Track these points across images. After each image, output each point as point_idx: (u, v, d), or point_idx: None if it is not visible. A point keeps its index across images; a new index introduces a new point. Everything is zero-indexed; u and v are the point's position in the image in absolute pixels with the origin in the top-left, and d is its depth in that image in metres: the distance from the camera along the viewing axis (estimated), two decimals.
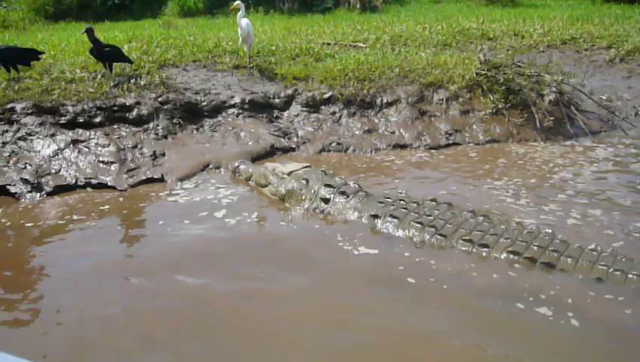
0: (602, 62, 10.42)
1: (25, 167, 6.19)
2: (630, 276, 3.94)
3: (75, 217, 5.45)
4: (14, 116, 6.74)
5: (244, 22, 8.30)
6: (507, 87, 8.21)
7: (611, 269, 4.02)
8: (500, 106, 8.05)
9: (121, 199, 5.91)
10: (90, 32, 7.43)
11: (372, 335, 3.56)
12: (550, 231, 4.57)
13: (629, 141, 7.78)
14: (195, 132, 7.32)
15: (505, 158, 7.10)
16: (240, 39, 8.61)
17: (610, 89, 9.46)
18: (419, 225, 4.70)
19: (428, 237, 4.61)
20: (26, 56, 7.37)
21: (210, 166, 6.67)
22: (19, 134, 6.57)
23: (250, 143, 7.20)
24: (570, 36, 11.55)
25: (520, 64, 8.57)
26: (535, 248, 4.28)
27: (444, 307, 3.83)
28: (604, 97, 9.09)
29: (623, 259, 4.10)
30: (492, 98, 8.15)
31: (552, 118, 7.94)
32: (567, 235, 4.59)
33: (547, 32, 11.85)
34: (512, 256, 4.29)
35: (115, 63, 7.78)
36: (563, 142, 7.75)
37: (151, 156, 6.67)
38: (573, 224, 5.04)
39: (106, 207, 5.71)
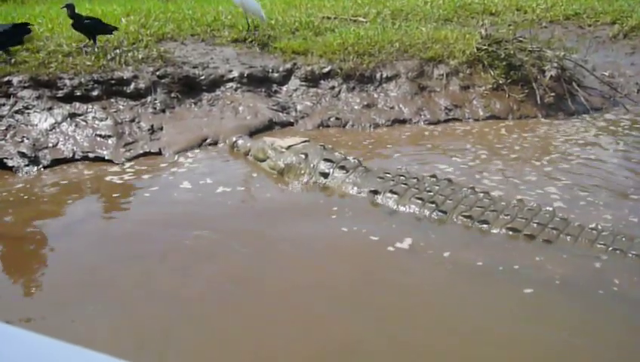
0: (605, 38, 10.31)
1: (22, 141, 6.15)
2: (630, 255, 3.93)
3: (72, 189, 5.44)
4: (11, 89, 6.67)
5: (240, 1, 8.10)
6: (508, 62, 8.13)
7: (611, 248, 4.01)
8: (500, 82, 7.98)
9: (118, 171, 5.88)
10: (70, 7, 7.32)
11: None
12: (550, 208, 4.55)
13: (630, 117, 7.73)
14: (193, 106, 7.27)
15: (505, 134, 7.07)
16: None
17: (612, 65, 9.37)
18: (419, 201, 4.68)
19: (428, 213, 4.59)
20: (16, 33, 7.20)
21: (208, 140, 6.64)
22: (16, 108, 6.52)
23: (248, 118, 7.16)
24: (574, 11, 11.40)
25: (522, 39, 8.47)
26: (535, 225, 4.26)
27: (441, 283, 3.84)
28: (606, 73, 9.01)
29: (623, 238, 4.08)
30: (493, 73, 8.07)
31: (553, 94, 7.88)
32: (567, 212, 4.58)
33: (550, 7, 11.70)
34: (511, 232, 4.28)
35: (100, 35, 7.69)
36: (564, 118, 7.71)
37: (148, 130, 6.63)
38: (572, 201, 5.01)
39: (104, 179, 5.69)
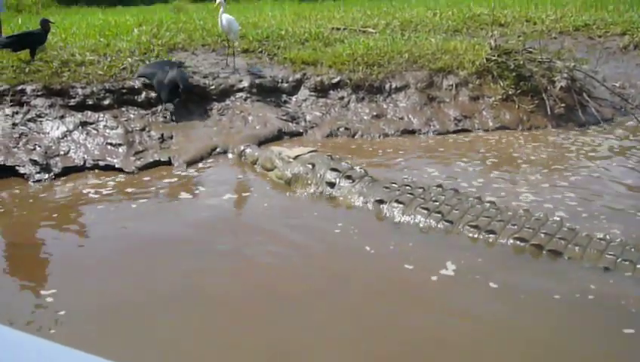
0: (616, 49, 10.26)
1: (34, 149, 6.23)
2: (639, 266, 3.89)
3: (83, 196, 5.51)
4: (24, 98, 6.78)
5: (225, 18, 7.94)
6: (518, 73, 8.14)
7: (620, 259, 3.97)
8: (510, 93, 7.98)
9: (128, 180, 5.94)
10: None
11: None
12: (558, 218, 4.52)
13: None
14: (203, 115, 7.33)
15: (514, 145, 7.06)
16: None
17: (623, 76, 9.34)
18: (425, 211, 4.67)
19: (434, 223, 4.58)
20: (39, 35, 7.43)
21: (218, 149, 6.68)
22: (29, 116, 6.61)
23: (257, 127, 7.21)
24: (584, 22, 11.37)
25: (531, 50, 8.48)
26: (542, 235, 4.22)
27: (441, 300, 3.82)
28: (617, 84, 8.97)
29: (632, 249, 4.04)
30: (502, 84, 8.08)
31: (563, 105, 7.86)
32: (575, 223, 4.55)
33: (560, 19, 11.69)
34: (518, 242, 4.25)
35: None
36: (574, 129, 7.68)
37: (159, 139, 6.69)
38: (580, 211, 4.99)
39: (114, 187, 5.75)
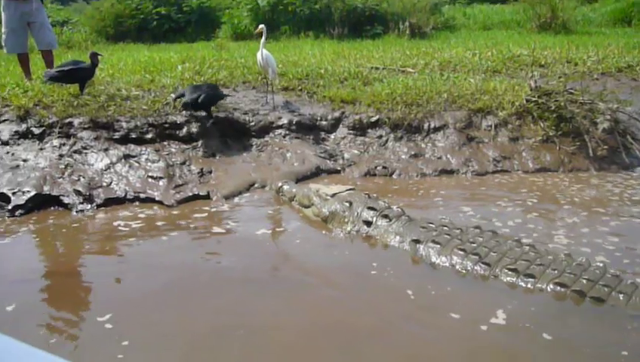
0: None
1: (78, 179, 6.40)
2: None
3: (125, 227, 5.62)
4: (72, 130, 7.02)
5: (263, 53, 8.17)
6: (558, 114, 8.03)
7: None
8: (550, 134, 7.88)
9: (168, 213, 6.04)
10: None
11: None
12: (601, 264, 4.38)
13: None
14: (242, 151, 7.45)
15: (555, 187, 6.93)
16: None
17: None
18: (462, 252, 4.60)
19: (471, 264, 4.50)
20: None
21: (256, 185, 6.75)
22: (75, 148, 6.83)
23: (295, 164, 7.27)
24: (627, 64, 11.21)
25: (572, 91, 8.37)
26: (584, 281, 4.09)
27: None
28: None
29: None
30: (542, 125, 7.99)
31: (606, 147, 7.70)
32: (618, 269, 4.41)
33: (602, 60, 11.56)
34: (559, 288, 4.13)
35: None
36: (617, 172, 7.50)
37: (198, 173, 6.81)
38: (621, 257, 4.83)
39: (154, 219, 5.85)
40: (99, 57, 7.86)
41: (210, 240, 5.40)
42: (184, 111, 7.54)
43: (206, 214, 6.04)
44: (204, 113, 7.45)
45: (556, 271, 4.21)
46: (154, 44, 17.52)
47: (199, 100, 7.16)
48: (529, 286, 4.19)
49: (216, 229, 5.66)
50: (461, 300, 4.12)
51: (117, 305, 4.14)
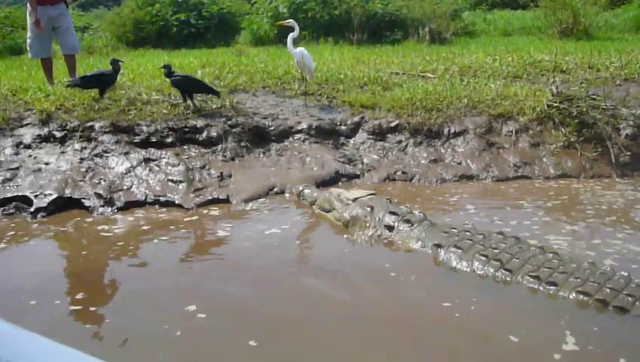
0: None
1: (99, 183, 6.46)
2: None
3: (145, 230, 5.66)
4: (93, 134, 7.10)
5: (299, 50, 8.32)
6: (580, 120, 7.94)
7: None
8: (572, 140, 7.78)
9: (187, 216, 6.07)
10: (167, 67, 7.77)
11: None
12: (626, 273, 4.30)
13: None
14: (261, 155, 7.46)
15: (577, 193, 6.83)
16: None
17: None
18: (483, 258, 4.54)
19: (492, 270, 4.44)
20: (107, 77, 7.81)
21: (275, 189, 6.75)
22: (95, 151, 6.90)
23: (315, 168, 7.26)
24: None
25: (594, 97, 8.27)
26: (608, 290, 4.01)
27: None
28: None
29: None
30: (564, 131, 7.89)
31: (628, 153, 7.60)
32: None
33: (624, 65, 11.38)
34: (581, 296, 4.05)
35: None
36: None
37: (218, 177, 6.83)
38: None
39: (174, 222, 5.87)
40: (120, 63, 7.95)
41: (230, 244, 5.42)
42: (203, 116, 7.59)
43: (226, 217, 6.05)
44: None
45: (579, 280, 4.14)
46: (174, 50, 17.66)
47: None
48: (551, 293, 4.13)
49: (236, 232, 5.67)
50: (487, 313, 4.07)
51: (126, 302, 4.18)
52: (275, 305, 4.19)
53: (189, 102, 7.75)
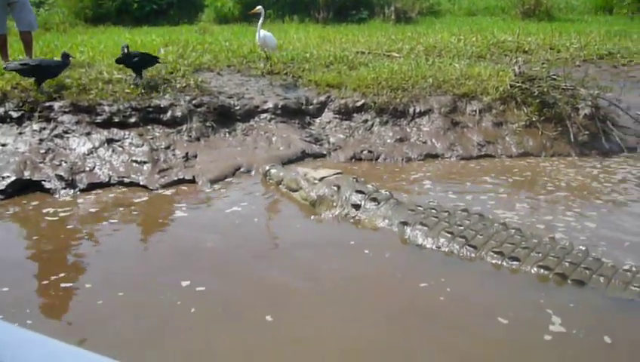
0: None
1: (60, 164, 6.31)
2: None
3: (108, 213, 5.57)
4: (52, 114, 6.90)
5: (262, 33, 8.50)
6: (541, 100, 8.10)
7: None
8: (533, 119, 7.94)
9: (152, 197, 6.00)
10: (126, 47, 7.57)
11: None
12: (584, 247, 4.45)
13: None
14: (227, 135, 7.39)
15: (538, 171, 7.00)
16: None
17: None
18: (449, 235, 4.64)
19: (457, 247, 4.54)
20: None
21: (242, 169, 6.71)
22: (55, 132, 6.72)
23: (281, 148, 7.24)
24: (608, 51, 11.35)
25: (555, 77, 8.44)
26: (567, 264, 4.17)
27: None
28: None
29: None
30: (526, 110, 8.05)
31: (586, 133, 7.80)
32: (599, 252, 4.49)
33: (584, 47, 11.66)
34: (542, 270, 4.19)
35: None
36: (597, 157, 7.60)
37: (183, 157, 6.75)
38: (605, 240, 4.91)
39: (137, 203, 5.80)
40: (71, 59, 7.49)
41: (194, 224, 5.36)
42: (168, 95, 7.47)
43: (192, 198, 6.00)
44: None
45: (540, 254, 4.28)
46: (135, 27, 17.21)
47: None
48: (514, 268, 4.25)
49: (202, 213, 5.65)
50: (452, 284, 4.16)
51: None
52: (236, 287, 4.19)
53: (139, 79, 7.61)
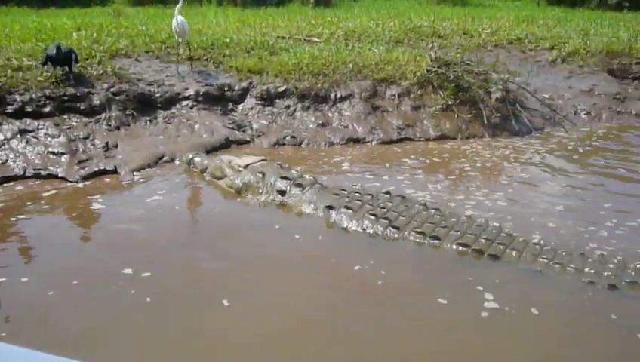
0: (545, 63, 10.84)
1: None
2: (568, 269, 4.16)
3: (21, 205, 5.37)
4: None
5: (179, 19, 8.09)
6: (457, 84, 8.47)
7: (552, 262, 4.24)
8: (449, 103, 8.30)
9: (71, 189, 5.83)
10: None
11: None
12: (497, 224, 4.77)
13: (568, 136, 8.18)
14: (148, 123, 7.25)
15: (454, 152, 7.35)
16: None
17: (552, 88, 9.85)
18: (373, 217, 4.82)
19: (381, 228, 4.73)
20: None
21: (165, 158, 6.63)
22: None
23: (204, 136, 7.19)
24: (516, 36, 11.95)
25: (469, 62, 8.84)
26: (483, 241, 4.46)
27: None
28: (546, 96, 9.47)
29: (563, 253, 4.32)
30: (442, 94, 8.39)
31: (498, 115, 8.25)
32: (512, 227, 4.82)
33: (495, 32, 12.22)
34: (461, 247, 4.47)
35: None
36: (508, 138, 8.07)
37: (103, 147, 6.57)
38: (516, 215, 5.27)
39: (55, 196, 5.62)
40: None
41: (117, 215, 5.27)
42: (84, 83, 7.22)
43: (113, 189, 5.88)
44: None
45: (459, 233, 4.55)
46: (41, 9, 16.35)
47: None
48: (434, 246, 4.49)
49: (124, 204, 5.55)
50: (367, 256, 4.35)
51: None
52: (161, 274, 4.18)
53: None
